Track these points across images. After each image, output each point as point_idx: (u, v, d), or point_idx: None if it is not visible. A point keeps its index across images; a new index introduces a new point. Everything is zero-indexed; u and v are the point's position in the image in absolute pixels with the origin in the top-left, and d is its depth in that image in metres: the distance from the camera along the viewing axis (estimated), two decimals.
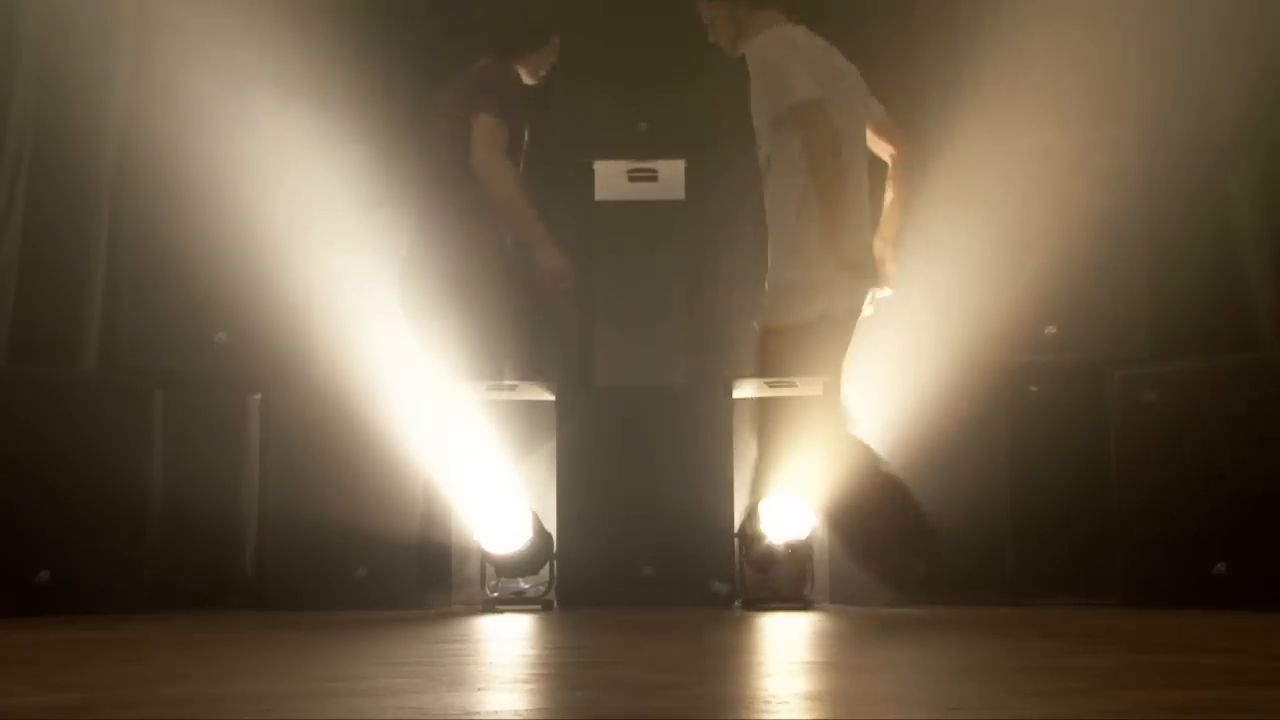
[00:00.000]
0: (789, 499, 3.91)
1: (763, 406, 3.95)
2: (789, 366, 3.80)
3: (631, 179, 4.53)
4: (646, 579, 4.19)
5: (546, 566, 4.22)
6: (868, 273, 3.86)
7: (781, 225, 3.86)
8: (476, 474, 4.10)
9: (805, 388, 3.80)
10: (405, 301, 4.15)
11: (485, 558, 4.17)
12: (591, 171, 4.57)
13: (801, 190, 3.78)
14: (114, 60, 4.51)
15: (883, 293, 3.95)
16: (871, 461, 3.76)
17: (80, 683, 2.03)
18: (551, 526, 4.26)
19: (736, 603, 4.17)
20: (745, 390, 4.09)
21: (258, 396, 4.41)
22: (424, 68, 4.65)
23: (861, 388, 3.94)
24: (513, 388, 4.15)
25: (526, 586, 4.25)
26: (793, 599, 4.09)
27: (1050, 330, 4.23)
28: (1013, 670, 2.19)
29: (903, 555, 3.79)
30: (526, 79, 4.28)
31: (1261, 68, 4.22)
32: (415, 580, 4.13)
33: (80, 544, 3.87)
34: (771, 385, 3.92)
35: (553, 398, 4.31)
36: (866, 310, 3.91)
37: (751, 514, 4.00)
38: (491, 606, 4.10)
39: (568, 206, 4.60)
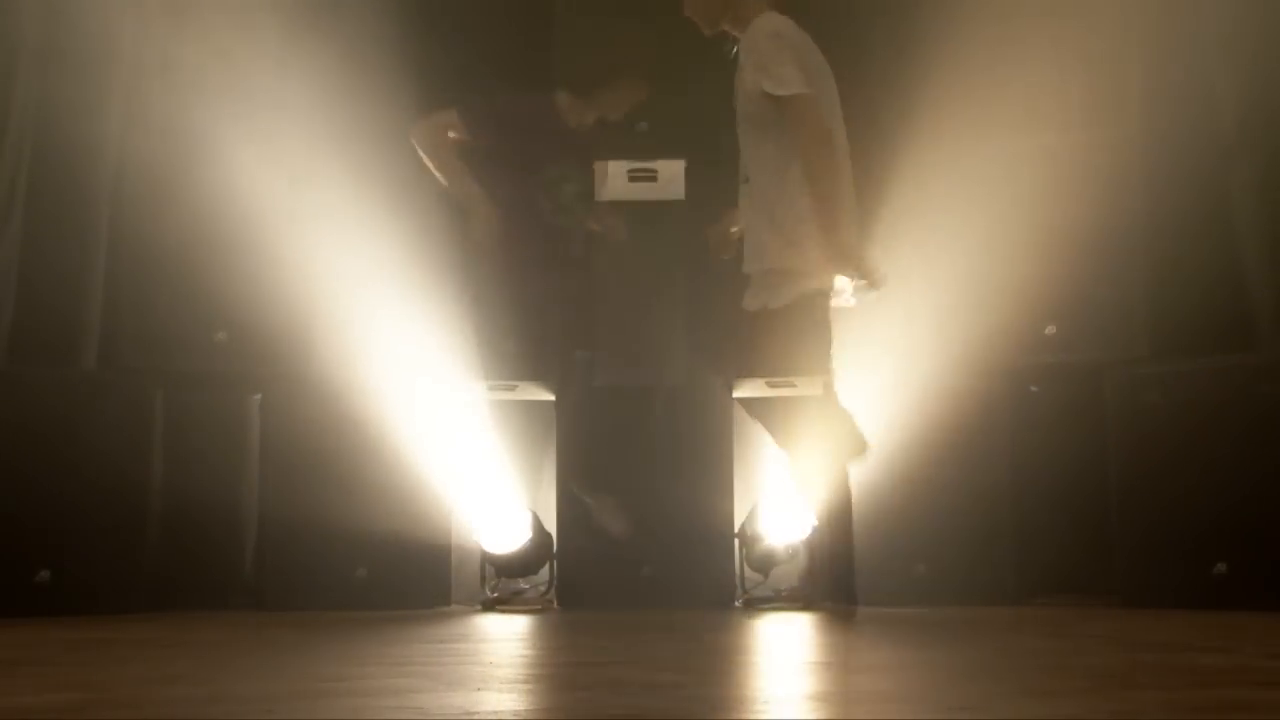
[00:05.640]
0: (789, 499, 3.91)
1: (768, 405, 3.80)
2: (792, 349, 3.61)
3: (631, 179, 4.52)
4: (646, 579, 4.19)
5: (546, 566, 4.22)
6: (856, 265, 3.62)
7: (768, 215, 3.64)
8: (476, 474, 4.10)
9: (805, 387, 3.79)
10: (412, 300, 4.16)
11: (485, 558, 4.17)
12: (591, 171, 4.57)
13: (796, 182, 3.60)
14: (114, 61, 4.51)
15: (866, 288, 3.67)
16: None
17: (80, 683, 2.03)
18: (551, 526, 4.26)
19: (737, 602, 4.17)
20: (745, 390, 4.09)
21: (258, 396, 4.41)
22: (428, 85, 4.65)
23: (863, 388, 3.93)
24: (513, 388, 4.15)
25: (526, 586, 4.26)
26: (793, 599, 4.09)
27: (1050, 330, 4.23)
28: (1013, 670, 2.19)
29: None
30: (604, 115, 4.28)
31: (1262, 68, 4.22)
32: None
33: (80, 544, 3.87)
34: (772, 385, 3.90)
35: (553, 398, 4.31)
36: (849, 300, 3.70)
37: (751, 514, 3.99)
38: (491, 606, 4.10)
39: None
